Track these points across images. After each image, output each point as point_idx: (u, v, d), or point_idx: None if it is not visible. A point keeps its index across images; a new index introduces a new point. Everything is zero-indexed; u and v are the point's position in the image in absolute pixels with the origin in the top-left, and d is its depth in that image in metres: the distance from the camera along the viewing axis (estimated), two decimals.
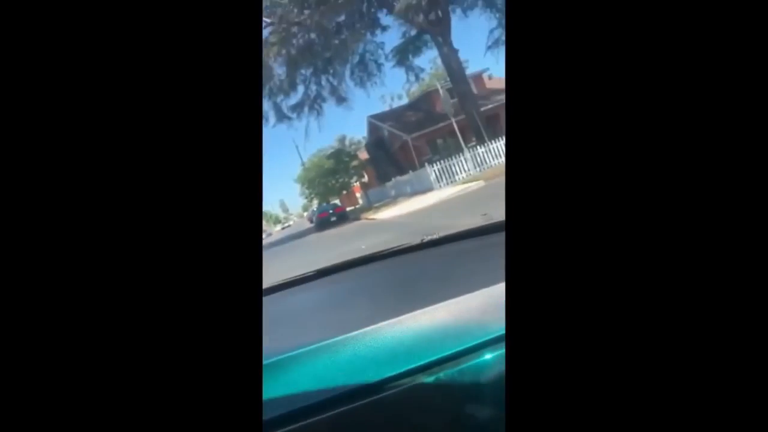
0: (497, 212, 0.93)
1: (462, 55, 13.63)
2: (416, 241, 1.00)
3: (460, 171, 11.30)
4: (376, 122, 18.32)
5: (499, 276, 0.51)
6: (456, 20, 15.80)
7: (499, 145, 11.16)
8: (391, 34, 38.34)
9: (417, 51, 14.48)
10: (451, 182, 11.10)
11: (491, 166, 11.03)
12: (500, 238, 0.76)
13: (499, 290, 0.51)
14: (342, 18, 12.97)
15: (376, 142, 18.90)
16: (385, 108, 24.24)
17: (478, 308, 0.51)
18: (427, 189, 11.46)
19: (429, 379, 0.46)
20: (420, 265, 0.87)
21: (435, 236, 0.99)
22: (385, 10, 13.32)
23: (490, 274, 0.55)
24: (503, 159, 11.02)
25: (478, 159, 11.28)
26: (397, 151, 16.87)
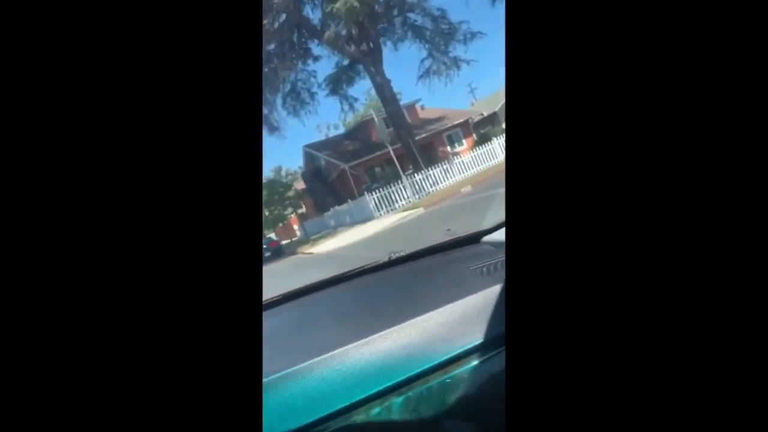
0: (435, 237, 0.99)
1: (395, 86, 13.88)
2: (384, 258, 1.00)
3: (400, 198, 11.20)
4: (312, 151, 17.92)
5: (464, 290, 0.57)
6: (387, 51, 16.26)
7: (436, 172, 11.31)
8: (324, 64, 38.89)
9: (350, 81, 14.49)
10: (392, 210, 10.92)
11: (429, 192, 11.08)
12: (464, 252, 0.89)
13: (463, 305, 0.54)
14: (272, 47, 12.64)
15: (313, 172, 18.44)
16: (322, 137, 24.08)
17: (444, 324, 0.52)
18: (368, 218, 11.17)
19: (398, 399, 0.47)
20: (388, 283, 0.86)
21: (402, 253, 0.99)
22: (316, 41, 13.25)
23: (455, 289, 0.58)
24: (441, 185, 11.19)
25: (417, 186, 11.30)
26: (334, 181, 16.53)
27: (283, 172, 30.41)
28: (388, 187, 11.28)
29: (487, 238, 0.95)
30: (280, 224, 20.19)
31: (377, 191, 11.26)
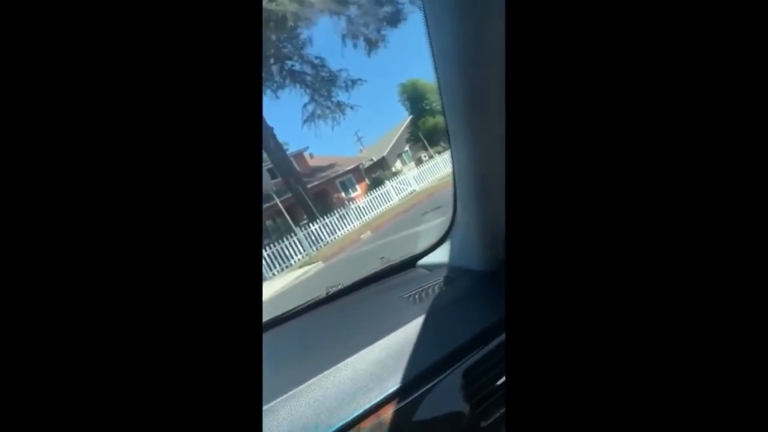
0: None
1: (281, 135, 13.13)
2: (322, 294, 0.97)
3: (295, 253, 10.04)
4: None
5: (397, 321, 0.59)
6: (267, 100, 15.59)
7: (333, 220, 10.60)
8: None
9: None
10: (287, 267, 9.67)
11: (327, 242, 10.23)
12: (399, 278, 0.94)
13: (394, 339, 0.56)
14: None
15: None
16: None
17: (377, 362, 0.53)
18: None
19: None
20: (323, 322, 0.84)
21: (340, 286, 0.98)
22: None
23: (389, 320, 0.61)
24: (339, 233, 10.45)
25: (313, 237, 10.34)
26: None
27: None
28: (281, 242, 10.08)
29: (421, 261, 0.98)
30: None
31: (268, 248, 9.95)
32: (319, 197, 13.32)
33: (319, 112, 13.01)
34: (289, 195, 11.55)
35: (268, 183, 10.57)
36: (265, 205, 12.89)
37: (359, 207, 11.28)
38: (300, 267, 8.93)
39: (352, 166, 16.68)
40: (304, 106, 13.38)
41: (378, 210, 11.22)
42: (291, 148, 16.70)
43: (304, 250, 10.07)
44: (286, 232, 10.65)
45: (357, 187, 16.24)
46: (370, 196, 11.55)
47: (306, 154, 17.12)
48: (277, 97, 14.63)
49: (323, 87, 12.77)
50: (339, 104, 13.08)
